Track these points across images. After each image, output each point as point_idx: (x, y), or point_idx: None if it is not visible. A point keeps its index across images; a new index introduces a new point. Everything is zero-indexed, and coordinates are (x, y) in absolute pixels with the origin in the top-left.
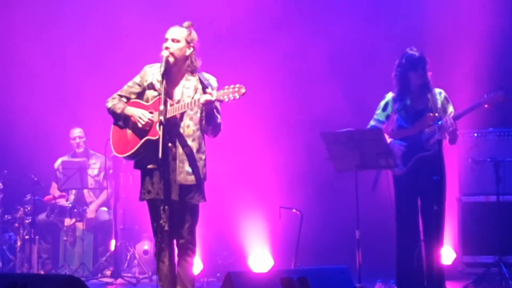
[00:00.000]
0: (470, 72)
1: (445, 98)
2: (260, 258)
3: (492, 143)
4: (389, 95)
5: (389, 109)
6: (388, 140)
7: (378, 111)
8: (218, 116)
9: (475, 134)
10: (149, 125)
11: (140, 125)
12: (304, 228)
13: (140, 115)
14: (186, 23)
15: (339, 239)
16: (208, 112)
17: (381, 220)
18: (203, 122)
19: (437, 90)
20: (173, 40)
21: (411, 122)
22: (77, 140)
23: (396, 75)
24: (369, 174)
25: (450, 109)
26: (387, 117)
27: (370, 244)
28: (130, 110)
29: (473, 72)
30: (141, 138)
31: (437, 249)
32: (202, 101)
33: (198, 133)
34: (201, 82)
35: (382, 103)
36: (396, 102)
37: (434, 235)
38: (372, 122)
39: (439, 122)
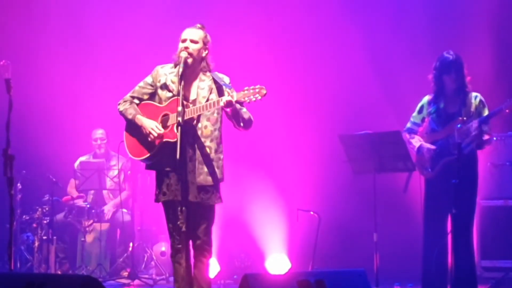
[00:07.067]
0: (491, 77)
1: (480, 102)
2: (278, 261)
3: None
4: (426, 98)
5: (425, 111)
6: (419, 143)
7: (414, 114)
8: (244, 110)
9: (494, 138)
10: (160, 137)
11: (149, 139)
12: (322, 231)
13: (150, 129)
14: (199, 25)
15: (357, 242)
16: (232, 112)
17: (399, 223)
18: (233, 122)
19: (473, 94)
20: (191, 41)
21: (442, 125)
22: (98, 141)
23: (432, 78)
24: (388, 177)
25: (486, 113)
26: (423, 119)
27: (388, 247)
28: (141, 120)
29: (493, 77)
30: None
31: (461, 254)
32: (222, 103)
33: (216, 133)
34: (216, 82)
35: (419, 105)
36: (430, 105)
37: (457, 239)
38: (408, 125)
39: (458, 126)
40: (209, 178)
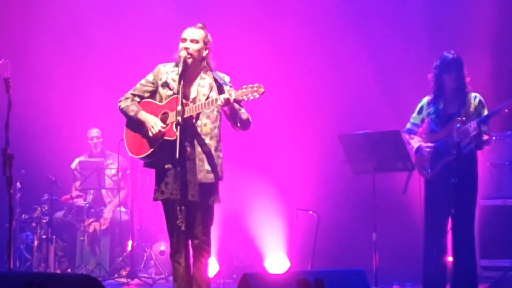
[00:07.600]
0: (490, 77)
1: (480, 102)
2: (277, 260)
3: (511, 146)
4: (425, 99)
5: (424, 112)
6: (418, 143)
7: (414, 115)
8: (242, 110)
9: (494, 138)
10: (161, 134)
11: (150, 134)
12: (321, 230)
13: (153, 124)
14: (200, 24)
15: (356, 241)
16: (230, 111)
17: (398, 223)
18: (231, 121)
19: (472, 95)
20: (191, 41)
21: (441, 126)
22: (95, 140)
23: (432, 77)
24: (388, 177)
25: (485, 113)
26: (422, 120)
27: (387, 247)
28: (144, 115)
29: (492, 78)
30: (156, 139)
31: (463, 254)
32: (220, 102)
33: (216, 131)
34: (216, 80)
35: (418, 106)
36: (430, 106)
37: (459, 239)
38: (408, 125)
39: (457, 126)
40: (210, 176)
